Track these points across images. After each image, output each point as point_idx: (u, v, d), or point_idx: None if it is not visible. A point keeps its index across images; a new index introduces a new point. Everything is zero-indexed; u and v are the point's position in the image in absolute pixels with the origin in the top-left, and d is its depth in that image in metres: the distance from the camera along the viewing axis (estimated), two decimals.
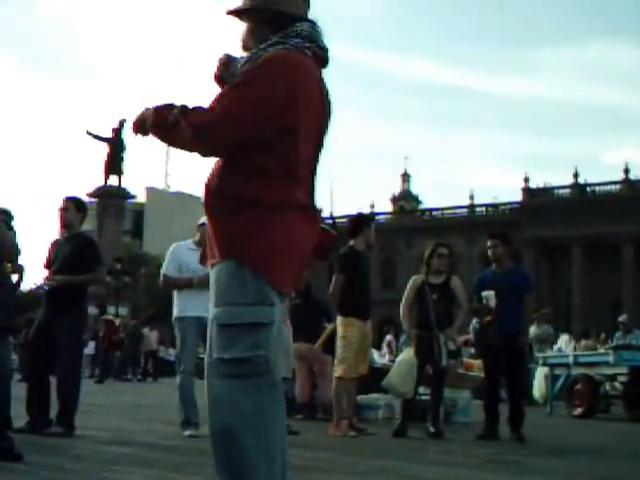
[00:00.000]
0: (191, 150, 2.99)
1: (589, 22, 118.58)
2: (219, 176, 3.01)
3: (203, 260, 3.17)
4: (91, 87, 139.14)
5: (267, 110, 2.92)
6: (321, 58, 3.14)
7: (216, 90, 3.08)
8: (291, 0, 3.14)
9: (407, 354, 8.90)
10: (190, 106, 2.95)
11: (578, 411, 13.06)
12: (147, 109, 3.06)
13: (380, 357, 16.81)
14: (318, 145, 3.14)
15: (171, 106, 2.98)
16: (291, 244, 3.00)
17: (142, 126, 3.06)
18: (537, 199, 61.46)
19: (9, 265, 6.55)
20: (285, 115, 2.94)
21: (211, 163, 3.10)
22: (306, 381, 10.74)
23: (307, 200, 3.09)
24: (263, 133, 2.94)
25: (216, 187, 3.00)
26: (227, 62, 3.13)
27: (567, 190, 61.35)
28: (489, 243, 9.02)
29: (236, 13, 3.19)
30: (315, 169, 3.16)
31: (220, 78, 3.15)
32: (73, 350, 7.47)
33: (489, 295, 8.65)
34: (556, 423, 12.03)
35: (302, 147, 3.01)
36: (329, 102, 3.17)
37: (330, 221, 3.45)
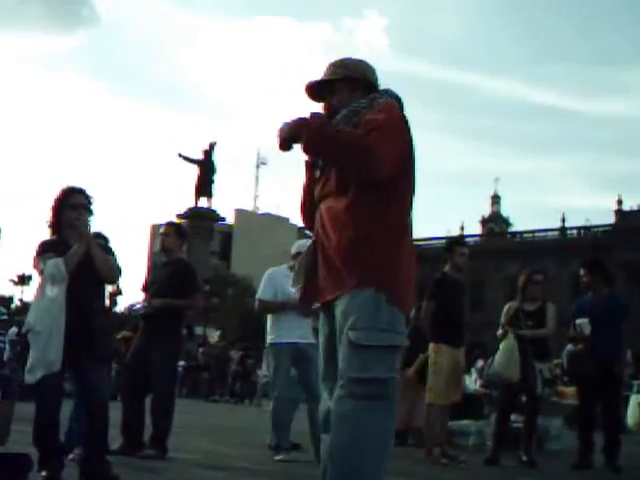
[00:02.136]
0: (353, 162, 3.29)
1: None
2: (349, 210, 3.30)
3: (304, 297, 3.38)
4: (182, 109, 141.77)
5: (403, 144, 3.35)
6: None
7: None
8: (373, 73, 3.68)
9: (507, 341, 8.67)
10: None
11: None
12: (288, 123, 3.39)
13: (471, 383, 16.59)
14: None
15: (318, 117, 3.44)
16: (410, 270, 3.34)
17: (294, 140, 3.37)
18: (630, 221, 60.16)
19: (112, 288, 6.68)
20: (408, 149, 3.38)
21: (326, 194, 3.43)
22: (400, 407, 10.66)
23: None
24: (402, 166, 3.33)
25: (347, 220, 3.30)
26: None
27: None
28: (582, 272, 8.88)
29: (327, 82, 3.63)
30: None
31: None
32: (168, 374, 7.58)
33: (583, 323, 8.52)
34: None
35: (410, 194, 3.43)
36: None
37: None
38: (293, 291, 3.86)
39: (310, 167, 3.59)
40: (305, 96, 3.68)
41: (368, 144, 3.22)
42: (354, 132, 3.31)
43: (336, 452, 3.11)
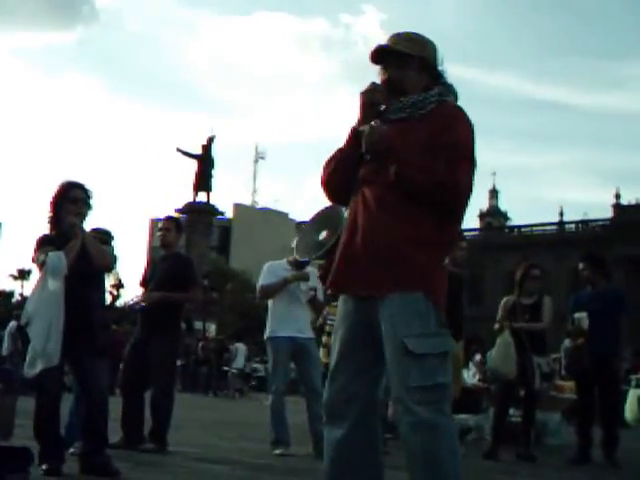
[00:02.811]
0: (439, 198, 3.28)
1: None
2: (403, 212, 3.29)
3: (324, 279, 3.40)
4: (181, 104, 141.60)
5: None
6: None
7: (368, 114, 3.44)
8: (436, 57, 3.58)
9: (503, 337, 8.68)
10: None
11: None
12: (380, 132, 3.34)
13: (469, 377, 16.62)
14: None
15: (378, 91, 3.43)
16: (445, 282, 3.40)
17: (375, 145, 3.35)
18: (628, 215, 60.10)
19: (113, 280, 6.71)
20: None
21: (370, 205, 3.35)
22: None
23: None
24: None
25: (401, 222, 3.29)
26: (382, 92, 3.44)
27: None
28: (581, 266, 8.89)
29: (400, 54, 3.49)
30: None
31: (376, 105, 3.46)
32: (167, 368, 7.60)
33: (581, 317, 8.53)
34: None
35: None
36: None
37: None
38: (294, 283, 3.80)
39: (355, 138, 3.46)
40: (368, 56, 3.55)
41: (457, 183, 3.27)
42: (442, 169, 3.25)
43: (417, 458, 3.18)
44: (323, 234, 3.61)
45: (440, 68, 3.56)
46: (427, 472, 3.16)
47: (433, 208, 3.29)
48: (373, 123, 3.38)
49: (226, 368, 27.90)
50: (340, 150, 3.53)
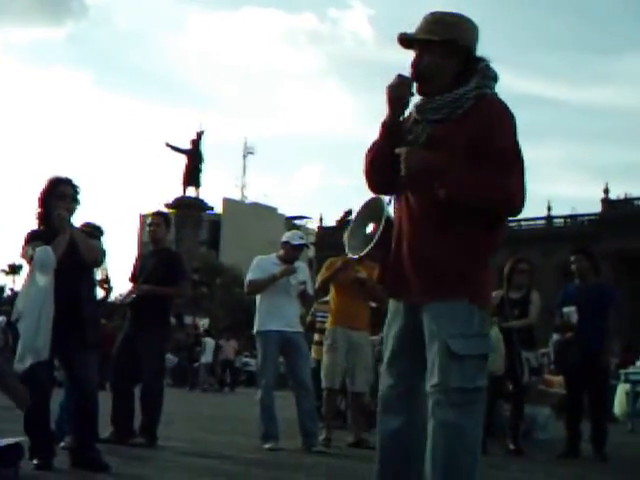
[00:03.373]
0: (494, 210, 3.29)
1: None
2: (450, 232, 3.28)
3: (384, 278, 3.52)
4: (170, 99, 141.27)
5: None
6: None
7: (397, 108, 3.36)
8: (473, 37, 3.41)
9: (492, 332, 8.68)
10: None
11: None
12: (420, 157, 3.28)
13: None
14: None
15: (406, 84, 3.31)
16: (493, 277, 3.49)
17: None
18: (617, 210, 60.21)
19: (101, 275, 6.71)
20: None
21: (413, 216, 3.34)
22: None
23: None
24: None
25: (449, 242, 3.28)
26: (408, 85, 3.33)
27: None
28: (572, 258, 8.90)
29: (421, 41, 3.36)
30: None
31: (404, 99, 3.36)
32: (156, 361, 7.61)
33: (570, 311, 8.54)
34: (638, 441, 11.80)
35: None
36: None
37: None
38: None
39: (387, 133, 3.42)
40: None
41: (511, 193, 3.25)
42: (491, 180, 3.19)
43: (439, 455, 3.23)
44: (370, 227, 3.61)
45: (475, 47, 3.39)
46: (445, 471, 3.22)
47: (486, 218, 3.30)
48: (406, 149, 3.29)
49: (196, 364, 28.19)
50: (375, 144, 3.47)
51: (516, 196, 3.27)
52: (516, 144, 3.31)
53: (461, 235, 3.28)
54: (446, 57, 3.34)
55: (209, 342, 28.37)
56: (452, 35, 3.33)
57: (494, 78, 3.38)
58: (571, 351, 8.53)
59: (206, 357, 27.59)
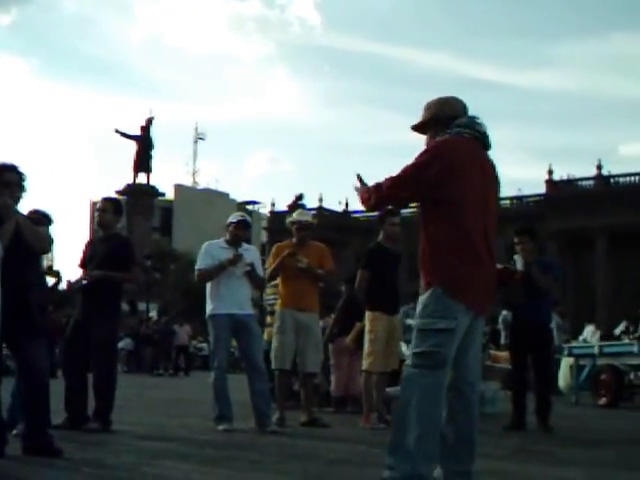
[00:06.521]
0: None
1: (609, 15, 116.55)
2: (423, 226, 4.49)
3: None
4: (119, 85, 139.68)
5: (425, 174, 4.30)
6: (481, 140, 4.50)
7: None
8: (453, 107, 4.55)
9: None
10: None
11: (603, 401, 13.20)
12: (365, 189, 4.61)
13: (408, 350, 16.83)
14: (485, 205, 4.41)
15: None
16: (471, 269, 4.32)
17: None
18: (561, 191, 60.80)
19: (47, 263, 6.72)
20: (443, 181, 4.27)
21: None
22: (343, 375, 10.89)
23: (481, 246, 4.39)
24: (424, 194, 4.40)
25: (423, 234, 4.49)
26: None
27: (590, 182, 60.63)
28: (516, 240, 9.09)
29: (422, 125, 4.60)
30: (484, 223, 4.41)
31: None
32: (108, 347, 7.62)
33: (517, 259, 8.82)
34: (582, 413, 12.12)
35: (468, 209, 4.31)
36: (494, 172, 4.58)
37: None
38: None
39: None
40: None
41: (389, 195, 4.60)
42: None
43: (400, 402, 4.42)
44: None
45: (459, 114, 4.50)
46: (399, 419, 4.36)
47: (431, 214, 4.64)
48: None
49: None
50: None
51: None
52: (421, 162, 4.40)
53: (428, 236, 4.50)
54: (433, 128, 4.60)
55: None
56: (435, 111, 4.62)
57: (461, 125, 4.52)
58: (515, 292, 8.71)
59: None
